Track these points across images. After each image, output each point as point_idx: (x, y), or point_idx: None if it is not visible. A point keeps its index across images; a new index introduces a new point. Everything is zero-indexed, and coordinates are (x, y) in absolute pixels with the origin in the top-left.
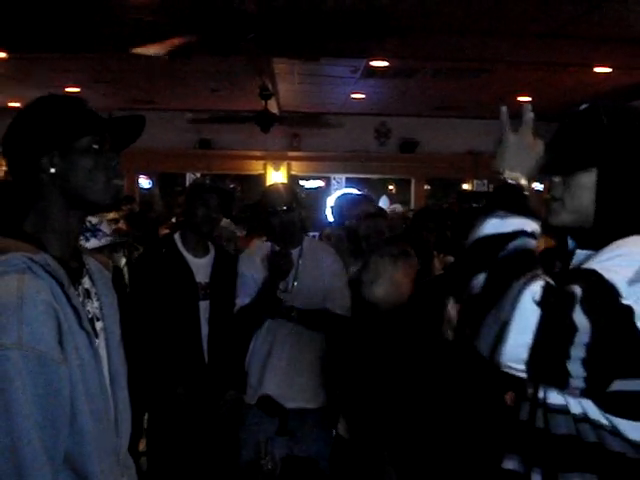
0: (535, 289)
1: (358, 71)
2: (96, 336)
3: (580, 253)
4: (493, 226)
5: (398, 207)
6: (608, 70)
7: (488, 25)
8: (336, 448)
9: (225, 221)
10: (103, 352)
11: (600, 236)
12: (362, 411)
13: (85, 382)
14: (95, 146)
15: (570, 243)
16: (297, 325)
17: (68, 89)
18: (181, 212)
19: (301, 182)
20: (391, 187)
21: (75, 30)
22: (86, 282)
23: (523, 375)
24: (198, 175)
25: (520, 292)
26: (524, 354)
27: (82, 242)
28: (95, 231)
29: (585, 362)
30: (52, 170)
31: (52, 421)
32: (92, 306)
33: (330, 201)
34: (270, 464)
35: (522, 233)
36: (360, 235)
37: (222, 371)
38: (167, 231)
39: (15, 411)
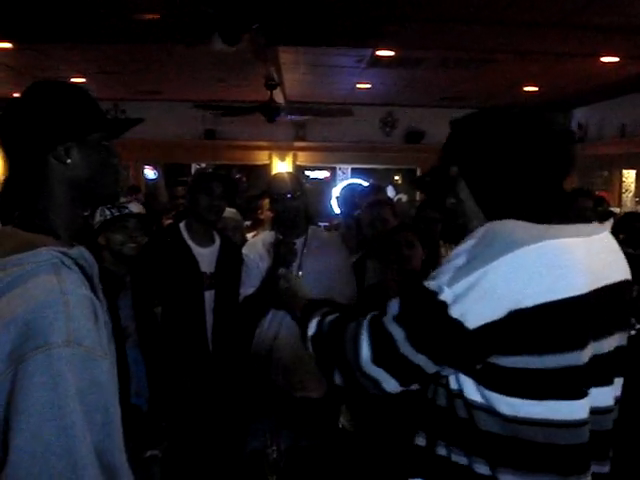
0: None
1: (364, 61)
2: None
3: None
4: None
5: (403, 197)
6: (615, 60)
7: (494, 15)
8: (339, 439)
9: (230, 211)
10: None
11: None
12: (366, 402)
13: (114, 373)
14: (105, 142)
15: None
16: None
17: (74, 79)
18: (185, 202)
19: (307, 172)
20: (397, 177)
21: (81, 21)
22: None
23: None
24: (203, 166)
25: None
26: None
27: (107, 216)
28: (121, 208)
29: (420, 352)
30: (68, 160)
31: (94, 417)
32: None
33: (336, 192)
34: (275, 454)
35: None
36: (363, 224)
37: (227, 361)
38: (170, 221)
39: (69, 410)
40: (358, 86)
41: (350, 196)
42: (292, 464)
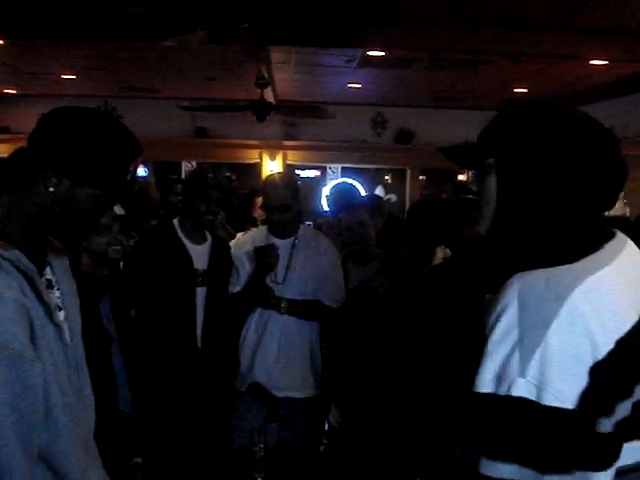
0: None
1: (355, 61)
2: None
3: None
4: None
5: (393, 197)
6: (604, 62)
7: (485, 16)
8: (329, 437)
9: None
10: (67, 341)
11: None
12: (356, 400)
13: (57, 376)
14: (97, 193)
15: None
16: (287, 315)
17: (64, 76)
18: (180, 201)
19: (297, 171)
20: (387, 177)
21: (72, 17)
22: (48, 272)
23: None
24: (194, 164)
25: None
26: None
27: None
28: None
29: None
30: (51, 189)
31: (27, 419)
32: (54, 296)
33: (326, 191)
34: (263, 452)
35: None
36: (342, 226)
37: (215, 358)
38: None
39: None
40: (349, 86)
41: (340, 196)
42: (280, 462)
